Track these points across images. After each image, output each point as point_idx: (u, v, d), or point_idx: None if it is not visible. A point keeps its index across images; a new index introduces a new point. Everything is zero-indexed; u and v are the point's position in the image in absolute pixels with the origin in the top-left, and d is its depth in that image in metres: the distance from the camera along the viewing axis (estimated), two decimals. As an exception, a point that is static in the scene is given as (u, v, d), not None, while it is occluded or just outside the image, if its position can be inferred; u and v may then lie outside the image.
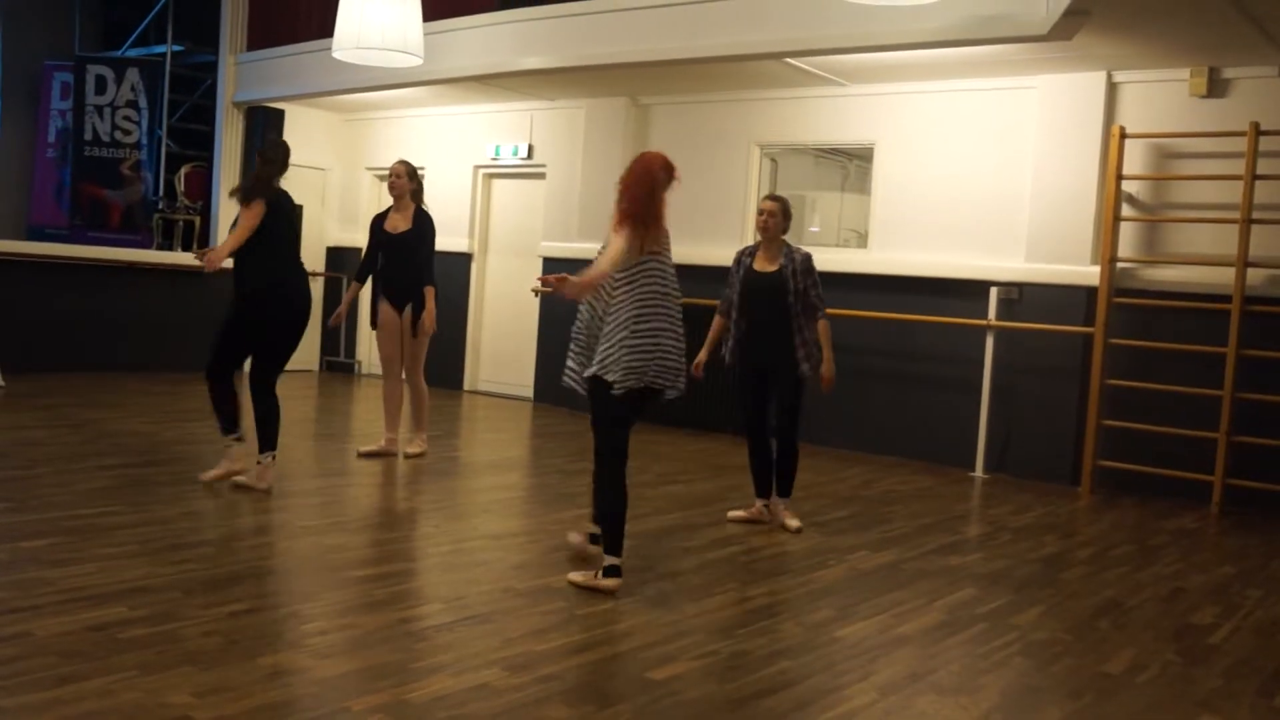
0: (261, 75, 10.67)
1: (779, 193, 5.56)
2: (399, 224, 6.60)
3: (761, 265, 5.42)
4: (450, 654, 3.40)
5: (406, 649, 3.42)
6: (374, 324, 6.74)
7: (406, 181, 6.62)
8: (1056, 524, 6.11)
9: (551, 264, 9.96)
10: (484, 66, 8.64)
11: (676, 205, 9.67)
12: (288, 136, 11.01)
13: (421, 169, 7.00)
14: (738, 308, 5.47)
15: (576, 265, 9.99)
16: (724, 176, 8.97)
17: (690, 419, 8.87)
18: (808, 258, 5.37)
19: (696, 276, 8.90)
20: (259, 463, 5.56)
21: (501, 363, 10.64)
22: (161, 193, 11.03)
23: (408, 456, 6.61)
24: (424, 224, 6.59)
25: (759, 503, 5.60)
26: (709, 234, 8.89)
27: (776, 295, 5.33)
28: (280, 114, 10.96)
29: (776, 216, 5.40)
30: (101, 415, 7.64)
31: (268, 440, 5.58)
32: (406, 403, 6.86)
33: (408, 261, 6.55)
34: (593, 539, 4.60)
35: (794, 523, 5.46)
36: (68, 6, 12.09)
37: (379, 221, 6.70)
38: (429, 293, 6.50)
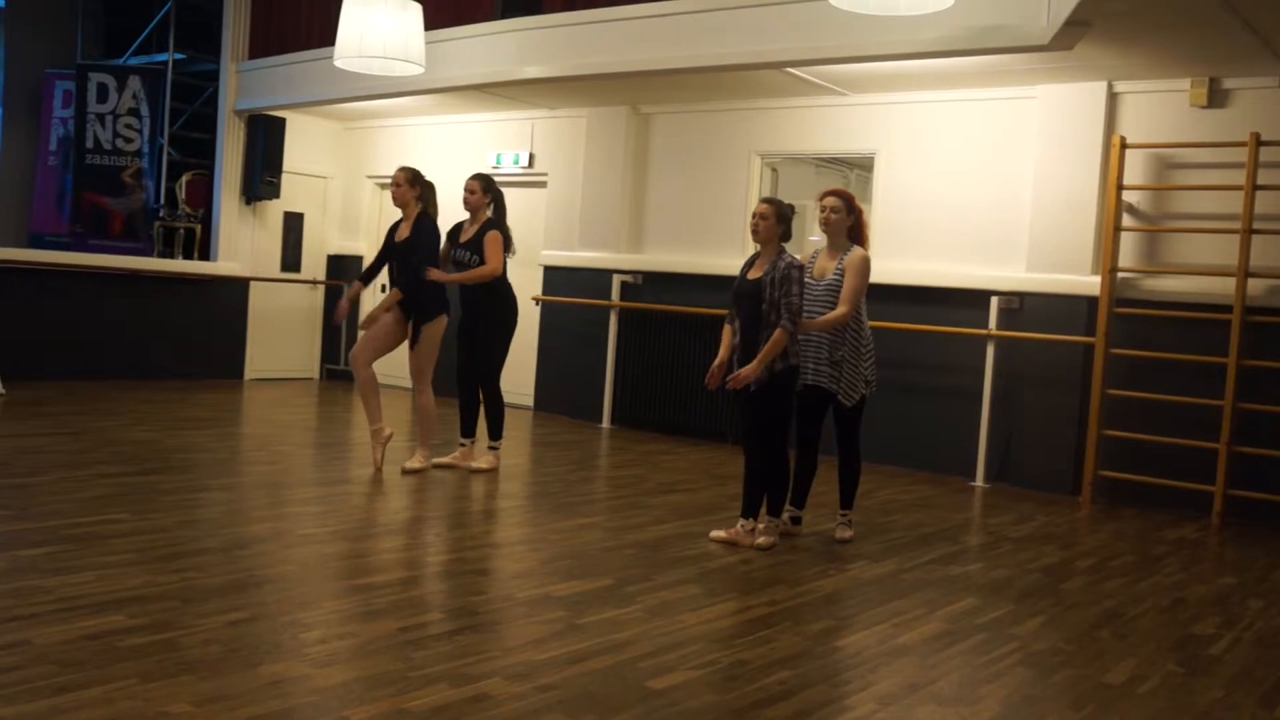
0: (263, 83, 10.69)
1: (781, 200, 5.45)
2: (404, 232, 6.54)
3: (754, 273, 5.21)
4: (450, 663, 3.39)
5: (406, 658, 3.41)
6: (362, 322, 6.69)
7: (406, 189, 6.51)
8: (1057, 534, 6.10)
9: (552, 273, 9.97)
10: (485, 75, 8.65)
11: (676, 214, 9.63)
12: (288, 144, 11.05)
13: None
14: (730, 314, 5.32)
15: (578, 273, 10.07)
16: (725, 186, 8.98)
17: (690, 428, 8.87)
18: (790, 265, 5.07)
19: (697, 285, 8.92)
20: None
21: (503, 371, 10.61)
22: (163, 201, 11.04)
23: (405, 473, 6.52)
24: (420, 232, 6.47)
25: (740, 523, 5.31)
26: (709, 243, 8.90)
27: (755, 302, 5.11)
28: (281, 122, 10.97)
29: (768, 219, 5.16)
30: (102, 423, 7.64)
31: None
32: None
33: (406, 271, 6.46)
34: (794, 521, 5.61)
35: (762, 540, 5.21)
36: (70, 15, 12.11)
37: (392, 231, 6.67)
38: (391, 294, 6.41)
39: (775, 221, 5.19)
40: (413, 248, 6.45)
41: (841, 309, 5.24)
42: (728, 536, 5.30)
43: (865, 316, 5.44)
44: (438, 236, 6.60)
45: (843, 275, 5.33)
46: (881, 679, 3.53)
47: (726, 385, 5.13)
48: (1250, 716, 3.42)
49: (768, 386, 5.10)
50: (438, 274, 6.46)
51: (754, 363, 5.03)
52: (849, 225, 5.44)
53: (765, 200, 5.31)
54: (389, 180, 6.84)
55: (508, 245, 6.69)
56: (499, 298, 6.74)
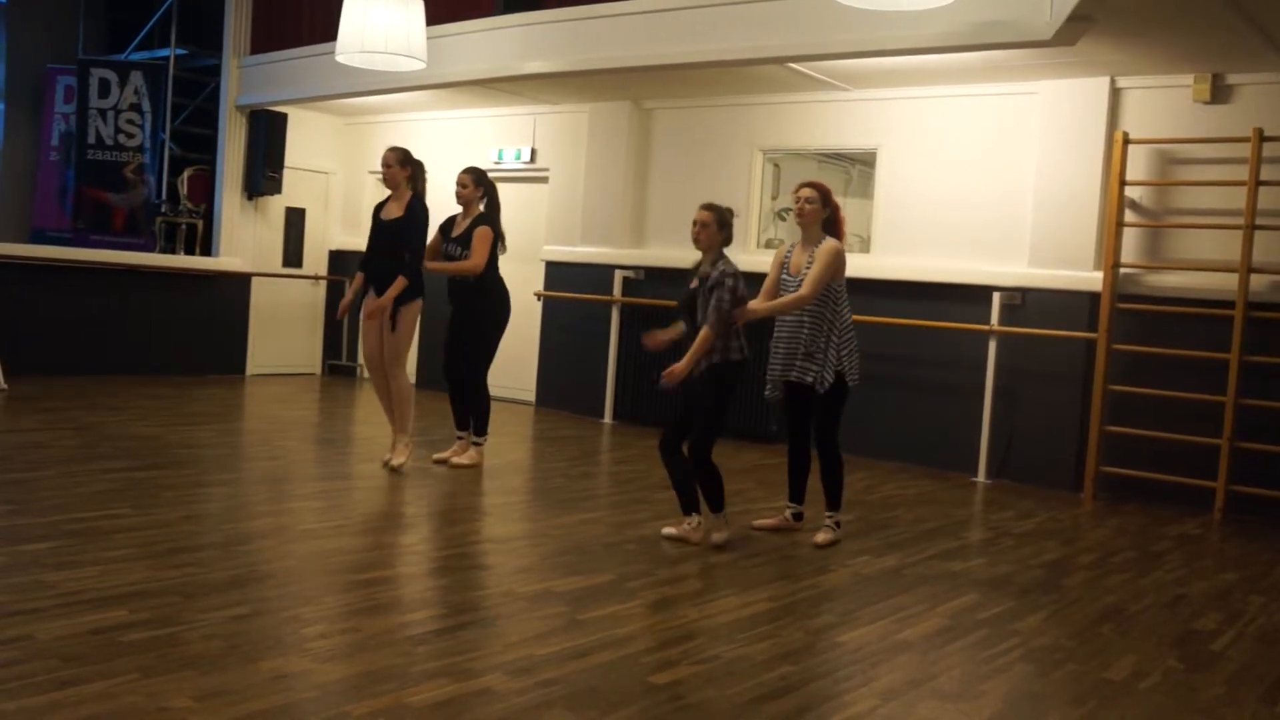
0: (264, 79, 10.68)
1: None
2: (393, 211, 6.44)
3: (695, 282, 5.18)
4: (451, 658, 3.39)
5: (407, 653, 3.42)
6: (362, 315, 6.62)
7: (398, 170, 6.43)
8: (1059, 530, 6.10)
9: (554, 268, 9.97)
10: (487, 70, 8.64)
11: (678, 210, 9.65)
12: (290, 140, 11.04)
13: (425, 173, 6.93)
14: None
15: (580, 269, 10.07)
16: (726, 181, 8.96)
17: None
18: (724, 273, 5.00)
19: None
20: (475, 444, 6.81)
21: (503, 367, 10.57)
22: (164, 196, 11.04)
23: (388, 467, 6.44)
24: (414, 212, 6.37)
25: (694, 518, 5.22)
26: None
27: (693, 313, 5.11)
28: (283, 118, 10.97)
29: (709, 227, 5.12)
30: (104, 418, 7.65)
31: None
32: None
33: (394, 250, 6.33)
34: (796, 517, 5.53)
35: (717, 536, 5.11)
36: (71, 10, 12.11)
37: (378, 210, 6.59)
38: (398, 282, 6.24)
39: (716, 229, 5.14)
40: (407, 228, 6.34)
41: (803, 291, 5.18)
42: (678, 533, 5.19)
43: (847, 308, 5.36)
44: (428, 218, 6.47)
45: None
46: (883, 674, 3.53)
47: (661, 383, 5.06)
48: (1251, 713, 3.42)
49: (702, 378, 5.05)
50: (431, 265, 6.46)
51: (684, 360, 5.01)
52: (824, 218, 5.34)
53: (705, 207, 5.20)
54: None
55: (499, 241, 6.62)
56: (492, 294, 6.65)
